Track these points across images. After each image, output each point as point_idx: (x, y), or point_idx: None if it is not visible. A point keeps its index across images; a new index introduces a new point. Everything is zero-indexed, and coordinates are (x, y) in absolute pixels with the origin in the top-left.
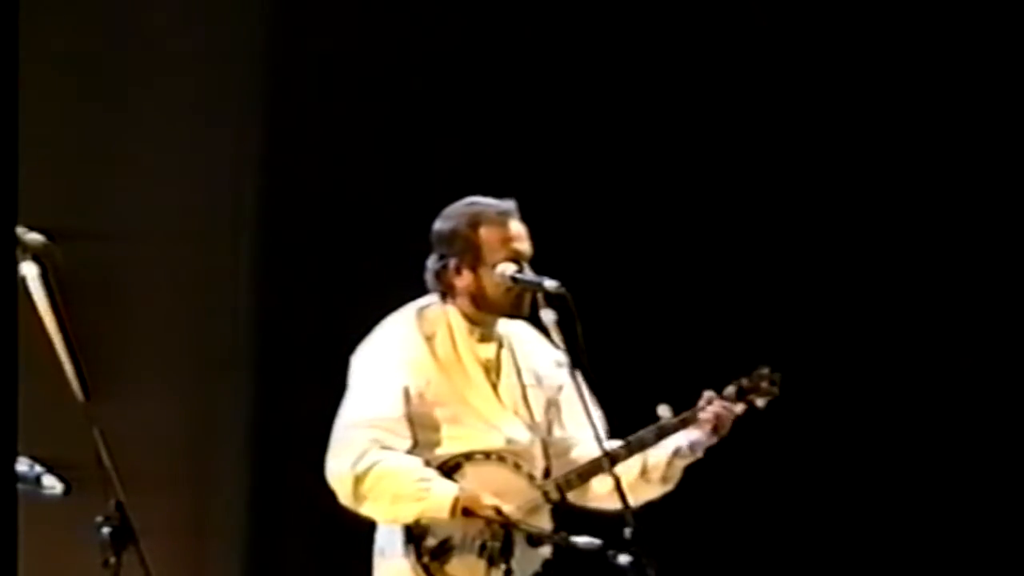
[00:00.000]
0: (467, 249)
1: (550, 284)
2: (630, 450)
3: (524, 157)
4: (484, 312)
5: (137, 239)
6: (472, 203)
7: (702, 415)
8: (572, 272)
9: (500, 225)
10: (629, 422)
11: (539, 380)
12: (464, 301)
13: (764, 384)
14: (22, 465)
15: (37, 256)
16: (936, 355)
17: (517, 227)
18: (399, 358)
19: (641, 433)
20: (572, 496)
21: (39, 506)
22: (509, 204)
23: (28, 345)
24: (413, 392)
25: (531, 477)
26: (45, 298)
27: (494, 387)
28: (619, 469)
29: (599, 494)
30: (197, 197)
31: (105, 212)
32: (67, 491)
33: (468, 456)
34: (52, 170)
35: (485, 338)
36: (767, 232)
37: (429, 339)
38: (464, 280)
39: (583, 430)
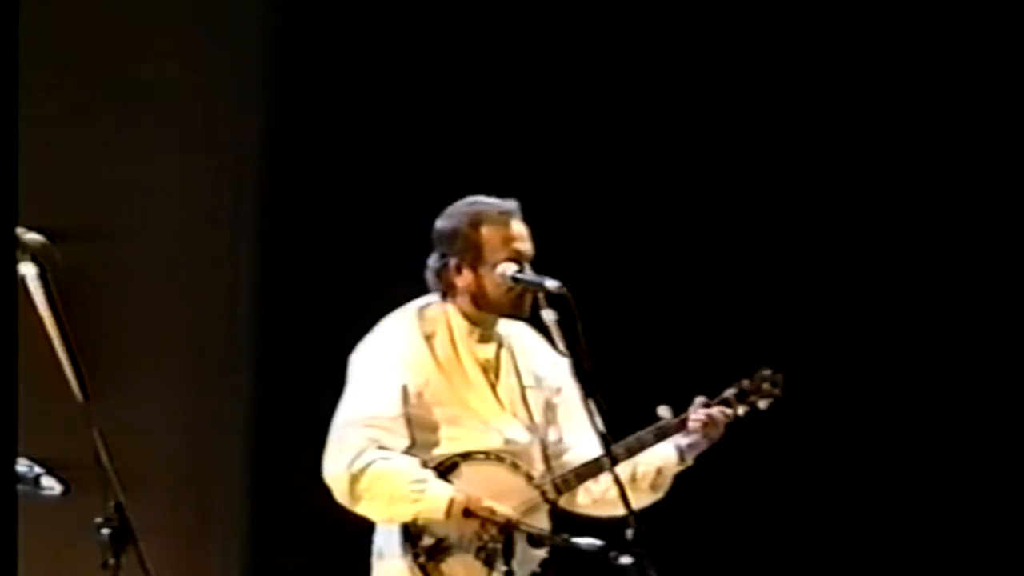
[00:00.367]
0: (468, 248)
1: (551, 284)
2: (630, 451)
3: (525, 157)
4: (484, 312)
5: (137, 239)
6: (474, 202)
7: (693, 417)
8: (572, 272)
9: (502, 225)
10: (629, 423)
11: (538, 381)
12: (464, 301)
13: (766, 386)
14: (21, 466)
15: (37, 256)
16: (936, 356)
17: (519, 227)
18: (398, 357)
19: (640, 434)
20: (562, 502)
21: (39, 507)
22: (511, 204)
23: (28, 345)
24: (412, 391)
25: (529, 477)
26: (45, 298)
27: (493, 387)
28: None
29: (582, 503)
30: (197, 197)
31: (105, 212)
32: (66, 492)
33: (466, 456)
34: (52, 170)
35: (485, 338)
36: (768, 232)
37: (428, 338)
38: (465, 279)
39: (580, 434)
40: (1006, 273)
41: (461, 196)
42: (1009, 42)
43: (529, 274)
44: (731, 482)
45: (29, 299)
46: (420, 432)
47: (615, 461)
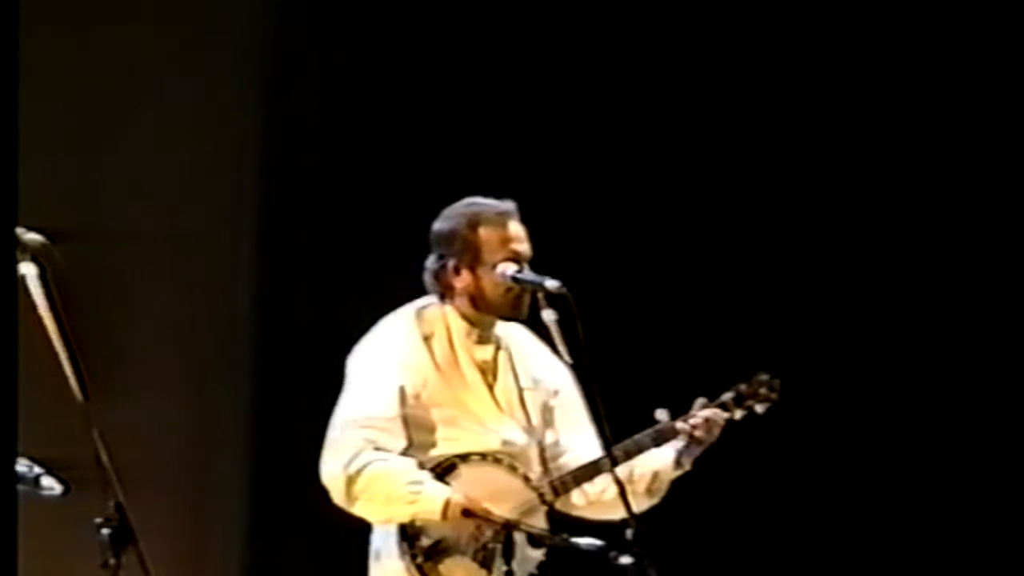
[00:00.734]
0: (466, 249)
1: (551, 284)
2: (627, 454)
3: (524, 158)
4: (482, 313)
5: (137, 239)
6: (471, 203)
7: (691, 420)
8: (572, 272)
9: (499, 226)
10: (628, 425)
11: (536, 383)
12: (463, 302)
13: (763, 390)
14: (21, 466)
15: (37, 256)
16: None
17: (516, 228)
18: (396, 358)
19: (638, 437)
20: (559, 504)
21: (38, 507)
22: (508, 205)
23: (28, 345)
24: (409, 392)
25: (527, 478)
26: (44, 298)
27: (490, 389)
28: (607, 476)
29: (578, 505)
30: (197, 197)
31: (105, 212)
32: (66, 492)
33: (464, 457)
34: (52, 170)
35: (483, 340)
36: (767, 234)
37: (426, 340)
38: (463, 280)
39: (577, 436)
40: (1005, 273)
41: (460, 197)
42: (1009, 42)
43: (529, 274)
44: (730, 484)
45: (29, 299)
46: (417, 433)
47: (615, 462)
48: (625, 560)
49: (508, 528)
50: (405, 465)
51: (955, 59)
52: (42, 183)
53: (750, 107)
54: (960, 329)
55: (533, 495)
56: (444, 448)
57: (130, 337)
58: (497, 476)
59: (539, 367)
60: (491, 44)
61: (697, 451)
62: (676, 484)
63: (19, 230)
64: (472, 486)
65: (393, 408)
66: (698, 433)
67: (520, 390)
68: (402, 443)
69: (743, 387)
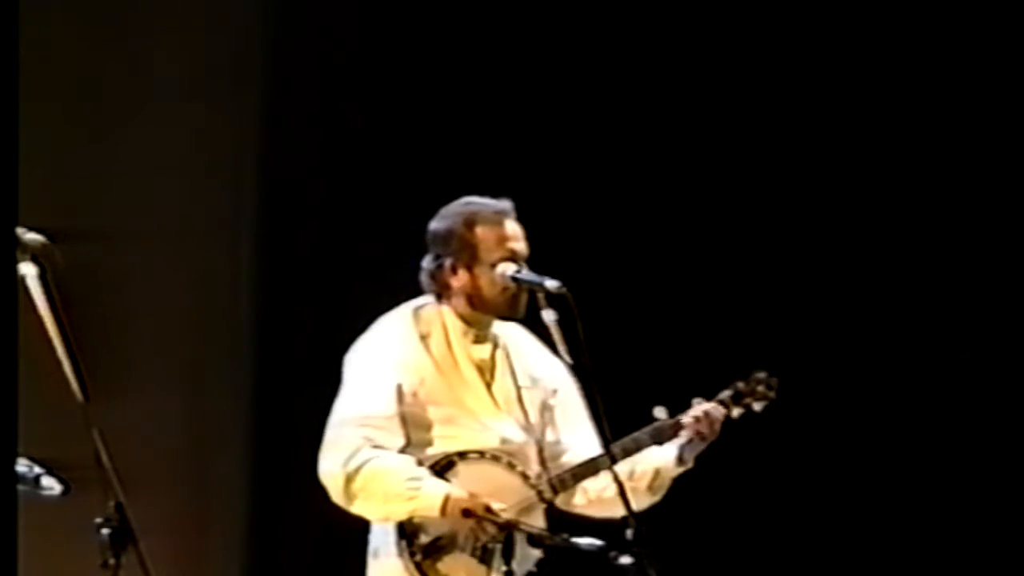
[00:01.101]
0: (463, 249)
1: (551, 284)
2: (626, 452)
3: (522, 157)
4: (480, 312)
5: (137, 239)
6: (468, 203)
7: (689, 417)
8: (572, 272)
9: (496, 225)
10: (626, 423)
11: (534, 382)
12: (460, 301)
13: (761, 388)
14: (21, 466)
15: (37, 256)
16: (934, 357)
17: (513, 227)
18: (393, 356)
19: (637, 435)
20: (558, 502)
21: (38, 507)
22: (505, 204)
23: (28, 345)
24: (407, 391)
25: (525, 477)
26: (45, 298)
27: (488, 387)
28: (608, 475)
29: (577, 503)
30: (197, 197)
31: (105, 212)
32: (66, 492)
33: (462, 455)
34: (52, 170)
35: (480, 339)
36: (766, 233)
37: (424, 338)
38: (460, 280)
39: (576, 435)
40: (1005, 272)
41: (457, 196)
42: (1009, 42)
43: (529, 274)
44: (729, 483)
45: (29, 299)
46: (415, 431)
47: (615, 460)
48: (625, 560)
49: (508, 529)
50: (403, 462)
51: (955, 59)
52: (42, 183)
53: (749, 107)
54: (961, 330)
55: (531, 493)
56: (442, 446)
57: (130, 337)
58: (495, 474)
59: (537, 366)
60: (490, 44)
61: (700, 447)
62: (676, 484)
63: (19, 230)
64: (471, 484)
65: (391, 406)
66: (698, 427)
67: (518, 388)
68: (400, 441)
69: (741, 385)
